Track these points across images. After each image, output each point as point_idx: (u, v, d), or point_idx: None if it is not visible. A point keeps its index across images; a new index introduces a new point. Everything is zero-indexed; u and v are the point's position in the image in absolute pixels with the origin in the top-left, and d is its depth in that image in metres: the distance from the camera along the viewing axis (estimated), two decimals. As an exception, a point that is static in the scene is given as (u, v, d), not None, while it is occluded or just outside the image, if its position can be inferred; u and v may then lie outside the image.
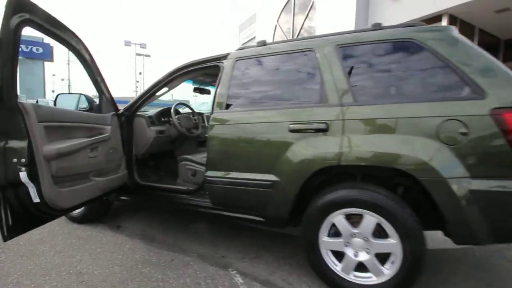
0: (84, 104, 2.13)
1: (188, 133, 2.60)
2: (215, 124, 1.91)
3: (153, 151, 2.58)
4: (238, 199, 1.83)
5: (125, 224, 2.58)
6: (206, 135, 1.91)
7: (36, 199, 1.39)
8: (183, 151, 3.03)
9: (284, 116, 1.69)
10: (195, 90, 2.96)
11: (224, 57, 2.06)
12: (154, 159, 2.86)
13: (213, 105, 1.98)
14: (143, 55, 24.31)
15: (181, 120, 2.60)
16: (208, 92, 3.14)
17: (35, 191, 1.38)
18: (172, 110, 2.54)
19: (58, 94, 2.06)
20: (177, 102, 2.66)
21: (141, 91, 2.41)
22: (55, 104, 2.01)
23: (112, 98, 2.22)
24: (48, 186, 1.44)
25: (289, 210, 1.67)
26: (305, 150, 1.58)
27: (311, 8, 8.98)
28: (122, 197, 2.42)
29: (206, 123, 2.96)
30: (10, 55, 1.28)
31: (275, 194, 1.68)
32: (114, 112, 2.19)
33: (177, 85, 2.43)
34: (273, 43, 1.95)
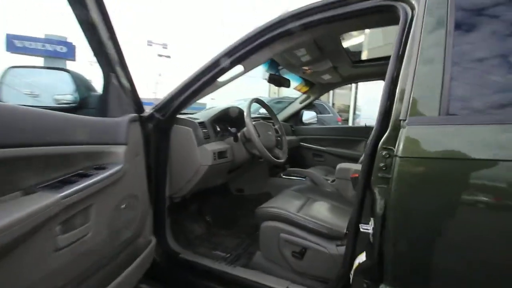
0: (69, 95, 0.95)
1: (272, 157, 1.36)
2: (415, 156, 0.66)
3: (200, 187, 1.38)
4: None
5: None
6: (394, 178, 0.67)
7: None
8: (244, 183, 1.80)
9: None
10: (271, 79, 1.73)
11: None
12: (197, 199, 1.65)
13: (383, 107, 0.76)
14: (164, 55, 23.67)
15: (259, 133, 1.37)
16: (288, 85, 1.91)
17: None
18: (246, 113, 1.32)
19: (9, 68, 0.88)
20: (253, 98, 1.44)
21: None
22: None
23: (133, 84, 1.03)
24: None
25: None
26: None
27: None
28: (143, 286, 1.20)
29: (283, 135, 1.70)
30: None
31: None
32: (135, 115, 0.99)
33: (260, 63, 1.21)
34: None
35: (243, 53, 1.06)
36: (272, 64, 1.65)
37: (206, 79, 1.12)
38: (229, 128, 1.42)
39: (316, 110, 4.37)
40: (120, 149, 0.87)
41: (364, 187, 0.83)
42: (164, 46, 22.94)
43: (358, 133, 2.22)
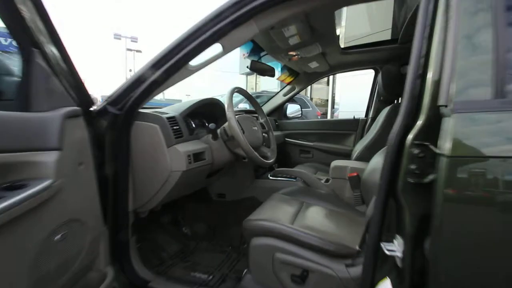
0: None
1: (259, 157, 1.13)
2: (475, 155, 0.48)
3: (173, 197, 1.13)
4: None
5: None
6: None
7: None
8: (226, 187, 1.57)
9: None
10: (253, 67, 1.51)
11: None
12: (170, 208, 1.40)
13: (411, 92, 0.57)
14: (134, 50, 22.34)
15: (244, 129, 1.14)
16: (272, 74, 1.70)
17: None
18: (227, 104, 1.07)
19: None
20: (235, 87, 1.19)
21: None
22: None
23: (71, 65, 0.76)
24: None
25: None
26: None
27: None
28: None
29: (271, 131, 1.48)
30: None
31: None
32: (74, 108, 0.73)
33: (243, 41, 0.97)
34: None
35: (221, 27, 0.83)
36: (254, 49, 1.43)
37: (174, 62, 0.87)
38: (207, 124, 1.18)
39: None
40: (49, 157, 0.61)
41: (385, 195, 0.64)
42: (134, 39, 21.65)
43: (348, 126, 2.07)
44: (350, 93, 7.20)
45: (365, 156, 1.50)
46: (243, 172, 1.57)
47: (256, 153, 1.11)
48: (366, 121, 2.02)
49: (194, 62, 0.94)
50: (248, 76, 15.34)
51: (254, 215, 1.01)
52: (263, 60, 1.65)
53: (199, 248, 1.37)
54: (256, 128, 1.25)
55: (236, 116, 1.12)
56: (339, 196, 1.38)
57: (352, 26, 6.15)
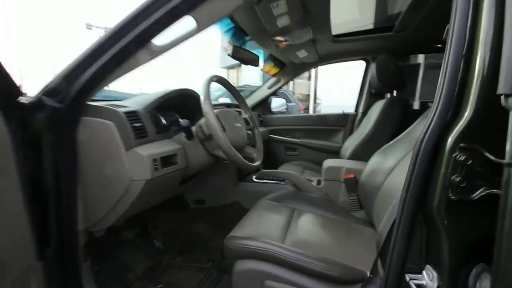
0: None
1: (244, 160, 0.95)
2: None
3: (138, 210, 0.93)
4: None
5: None
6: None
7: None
8: (205, 191, 1.38)
9: None
10: (236, 54, 1.31)
11: None
12: (138, 217, 1.19)
13: (452, 80, 0.41)
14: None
15: (224, 126, 0.95)
16: (257, 63, 1.51)
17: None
18: (204, 96, 0.87)
19: None
20: (213, 76, 0.99)
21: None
22: None
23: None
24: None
25: None
26: None
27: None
28: None
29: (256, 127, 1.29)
30: None
31: None
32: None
33: (222, 14, 0.77)
34: None
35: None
36: (237, 33, 1.23)
37: (132, 39, 0.67)
38: (180, 119, 0.98)
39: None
40: None
41: (413, 214, 0.49)
42: (107, 30, 20.44)
43: (336, 122, 1.94)
44: (333, 87, 7.18)
45: (360, 154, 1.37)
46: (224, 175, 1.38)
47: (239, 155, 0.93)
48: (355, 116, 1.90)
49: (159, 41, 0.74)
50: (229, 70, 14.99)
51: (237, 230, 0.83)
52: (246, 47, 1.47)
53: (173, 264, 1.18)
54: (239, 124, 1.06)
55: (215, 111, 0.93)
56: (333, 200, 1.24)
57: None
